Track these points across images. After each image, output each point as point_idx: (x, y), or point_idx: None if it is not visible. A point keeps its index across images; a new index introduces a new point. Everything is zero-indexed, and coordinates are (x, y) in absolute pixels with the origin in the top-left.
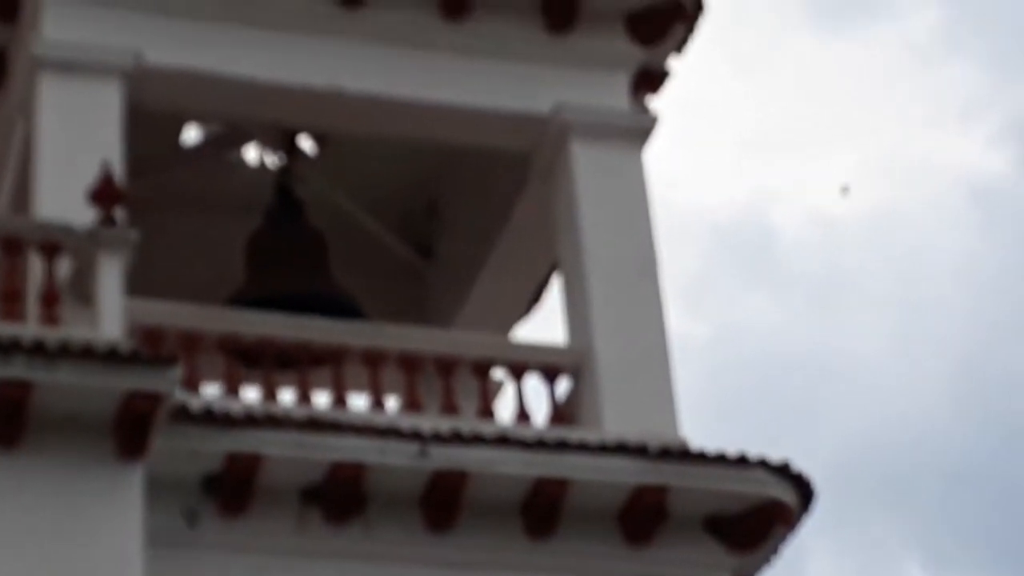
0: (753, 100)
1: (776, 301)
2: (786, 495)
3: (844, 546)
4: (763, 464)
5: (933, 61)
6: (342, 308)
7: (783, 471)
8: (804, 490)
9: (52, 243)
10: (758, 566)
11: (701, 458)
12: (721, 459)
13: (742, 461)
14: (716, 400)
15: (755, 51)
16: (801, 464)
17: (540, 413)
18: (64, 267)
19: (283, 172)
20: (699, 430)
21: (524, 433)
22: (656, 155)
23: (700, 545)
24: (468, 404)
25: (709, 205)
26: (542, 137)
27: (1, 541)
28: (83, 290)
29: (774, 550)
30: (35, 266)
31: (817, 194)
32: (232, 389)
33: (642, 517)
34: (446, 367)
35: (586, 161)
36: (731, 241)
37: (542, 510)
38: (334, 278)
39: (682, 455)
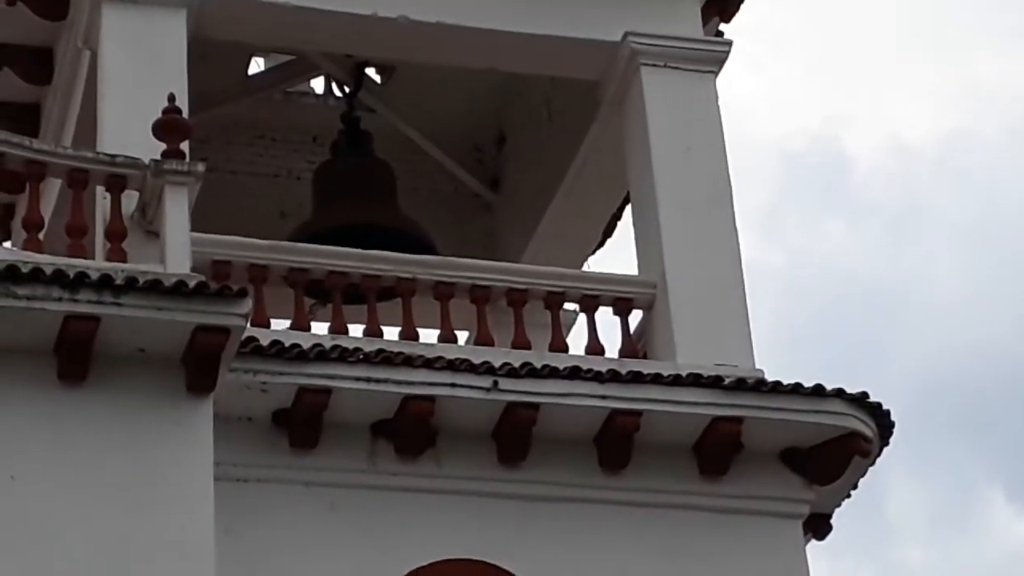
0: (824, 25)
1: (850, 229)
2: (864, 426)
3: (924, 477)
4: (840, 395)
5: None
6: (411, 241)
7: (860, 401)
8: (882, 420)
9: (118, 177)
10: (836, 498)
11: (777, 389)
12: (797, 390)
13: (818, 392)
14: (789, 330)
15: None
16: (878, 395)
17: (613, 346)
18: (130, 201)
19: (350, 104)
20: (773, 360)
21: (597, 366)
22: (726, 82)
23: (777, 477)
24: (540, 337)
25: (781, 132)
26: (612, 65)
27: (71, 477)
28: (150, 224)
29: (852, 482)
30: (101, 200)
31: (891, 120)
32: (301, 323)
33: (717, 449)
34: (517, 300)
35: (657, 89)
36: (804, 169)
37: (616, 443)
38: (402, 210)
39: (757, 386)
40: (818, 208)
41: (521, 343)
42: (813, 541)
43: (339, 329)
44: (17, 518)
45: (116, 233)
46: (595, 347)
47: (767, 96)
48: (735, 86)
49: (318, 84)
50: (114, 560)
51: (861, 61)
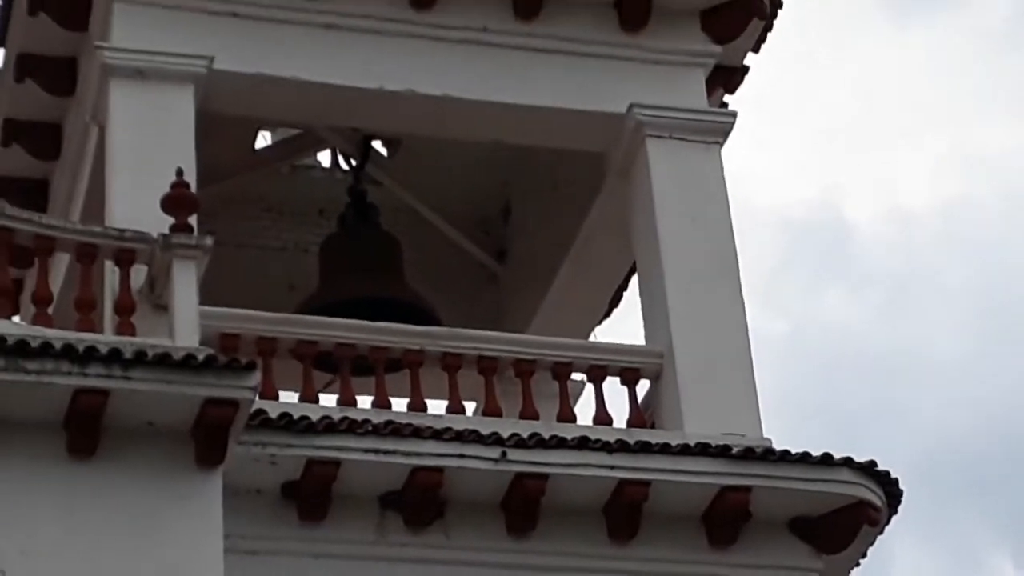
0: (825, 94)
1: (851, 296)
2: (873, 495)
3: (931, 542)
4: (848, 463)
5: (1007, 50)
6: (417, 313)
7: (869, 470)
8: (890, 489)
9: (126, 251)
10: (845, 567)
11: (785, 458)
12: (805, 459)
13: (827, 461)
14: (793, 398)
15: (826, 44)
16: (884, 462)
17: (620, 415)
18: (139, 275)
19: (356, 177)
20: (777, 429)
21: (605, 436)
22: (728, 151)
23: (786, 546)
24: (547, 408)
25: (783, 201)
26: (618, 137)
27: (81, 551)
28: (158, 298)
29: (861, 551)
30: (110, 275)
31: (892, 189)
32: (309, 395)
33: (726, 519)
34: (524, 371)
35: (663, 160)
36: (806, 237)
37: (624, 513)
38: (408, 283)
39: (766, 455)
40: (819, 276)
41: (529, 414)
42: None
43: (348, 401)
44: None
45: (125, 307)
46: (603, 417)
47: (768, 165)
48: (737, 155)
49: (325, 157)
50: None
51: (861, 131)
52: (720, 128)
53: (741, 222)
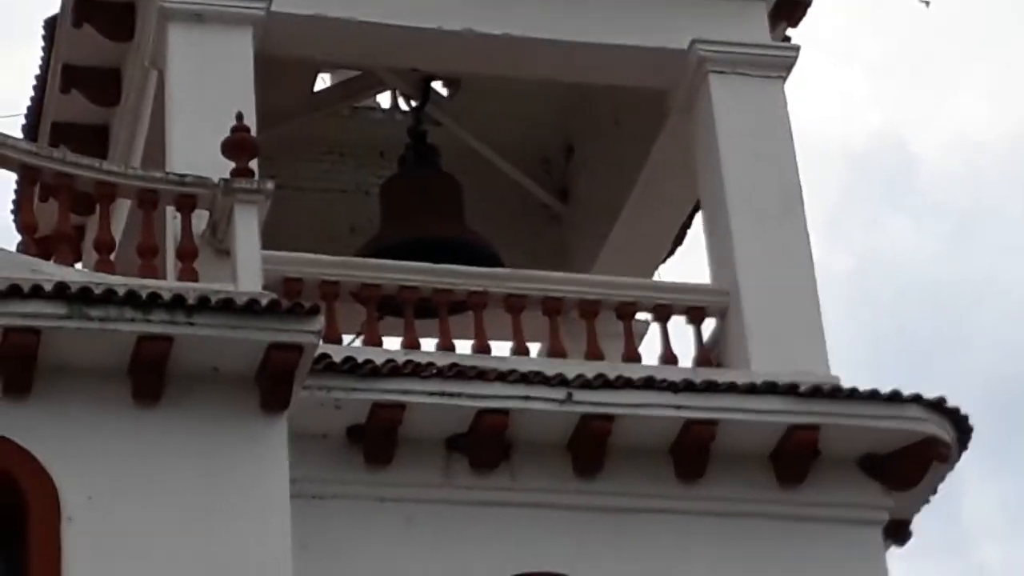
0: (887, 23)
1: (917, 229)
2: (943, 431)
3: (1000, 476)
4: (918, 400)
5: None
6: (479, 254)
7: (938, 407)
8: (960, 425)
9: (188, 196)
10: (916, 504)
11: (854, 396)
12: (874, 396)
13: (896, 398)
14: (860, 333)
15: None
16: (953, 395)
17: (686, 355)
18: (200, 220)
19: (416, 117)
20: (845, 365)
21: (671, 375)
22: (791, 84)
23: (855, 485)
24: (612, 348)
25: (846, 133)
26: (680, 73)
27: (148, 497)
28: (220, 243)
29: (932, 487)
30: (171, 220)
31: (956, 119)
32: (373, 339)
33: (795, 458)
34: (589, 311)
35: (726, 96)
36: (869, 169)
37: (692, 453)
38: (467, 224)
39: (834, 393)
40: (883, 208)
41: (594, 354)
42: (893, 547)
43: (411, 344)
44: (93, 537)
45: (187, 253)
46: (669, 356)
47: (831, 97)
48: (799, 88)
49: (384, 99)
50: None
51: (926, 61)
52: (783, 62)
53: (804, 156)
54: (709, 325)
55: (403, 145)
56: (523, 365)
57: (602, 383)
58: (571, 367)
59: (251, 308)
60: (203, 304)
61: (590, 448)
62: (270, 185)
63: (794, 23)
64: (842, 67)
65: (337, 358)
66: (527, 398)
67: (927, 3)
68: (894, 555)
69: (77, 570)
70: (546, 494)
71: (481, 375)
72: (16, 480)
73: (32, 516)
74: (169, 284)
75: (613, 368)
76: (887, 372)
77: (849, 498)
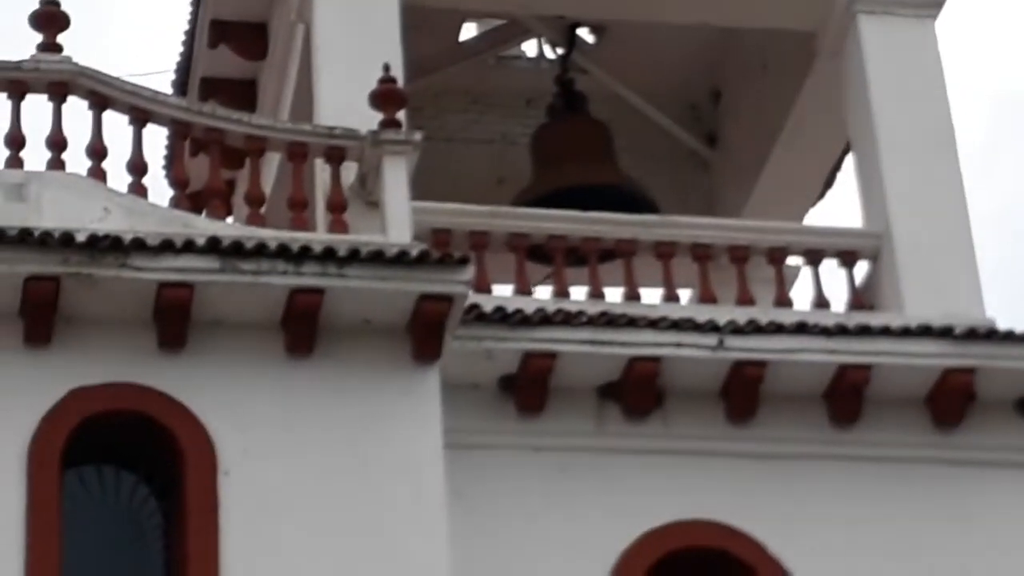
0: None
1: None
2: None
3: None
4: None
5: None
6: (632, 200)
7: None
8: None
9: (337, 149)
10: None
11: (1010, 338)
12: None
13: None
14: (1013, 275)
15: None
16: None
17: (838, 299)
18: (349, 172)
19: (563, 65)
20: (998, 306)
21: (823, 320)
22: (939, 23)
23: (1012, 427)
24: (763, 293)
25: (994, 73)
26: (828, 14)
27: (303, 449)
28: (369, 195)
29: None
30: (320, 173)
31: None
32: (523, 288)
33: (950, 401)
34: (739, 256)
35: (875, 36)
36: (1020, 107)
37: (846, 397)
38: (622, 170)
39: (990, 335)
40: None
41: (745, 300)
42: None
43: (562, 292)
44: (250, 490)
45: (337, 205)
46: (821, 301)
47: (979, 36)
48: (947, 27)
49: (530, 47)
50: (346, 527)
51: None
52: (933, 1)
53: (954, 96)
54: (862, 268)
55: (549, 94)
56: (674, 312)
57: (754, 329)
58: (722, 313)
59: (401, 259)
60: (354, 256)
61: (742, 394)
62: (418, 136)
63: None
64: (993, 4)
65: (487, 308)
66: (679, 345)
67: None
68: None
69: (234, 523)
70: (699, 441)
71: (632, 323)
72: (173, 434)
73: (189, 469)
74: (320, 236)
75: (764, 313)
76: None
77: (1006, 441)
